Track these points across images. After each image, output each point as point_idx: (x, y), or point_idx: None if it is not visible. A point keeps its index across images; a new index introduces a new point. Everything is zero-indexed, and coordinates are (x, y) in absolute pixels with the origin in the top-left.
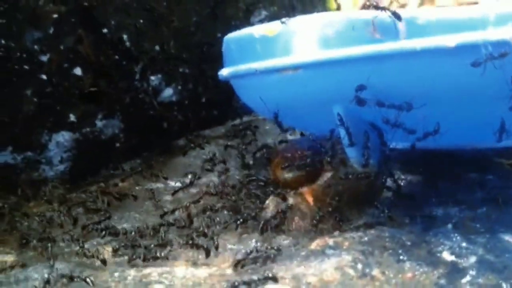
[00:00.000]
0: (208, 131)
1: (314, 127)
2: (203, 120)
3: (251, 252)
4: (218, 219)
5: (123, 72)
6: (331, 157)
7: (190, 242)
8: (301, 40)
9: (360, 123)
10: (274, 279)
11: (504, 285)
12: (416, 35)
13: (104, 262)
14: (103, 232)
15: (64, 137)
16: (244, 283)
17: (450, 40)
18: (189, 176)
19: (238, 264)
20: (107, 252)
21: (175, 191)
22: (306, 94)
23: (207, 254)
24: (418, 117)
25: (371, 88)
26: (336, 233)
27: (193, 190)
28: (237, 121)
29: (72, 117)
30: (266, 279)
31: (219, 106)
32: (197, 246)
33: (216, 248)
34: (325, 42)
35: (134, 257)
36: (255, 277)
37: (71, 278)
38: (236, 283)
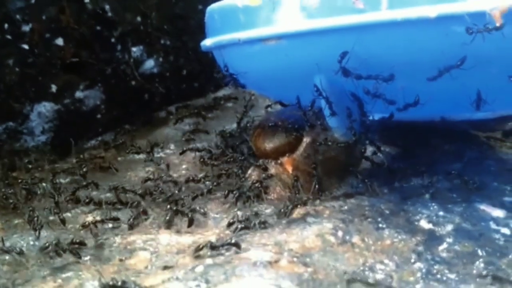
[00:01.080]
0: (189, 103)
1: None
2: (184, 92)
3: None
4: (201, 189)
5: (105, 43)
6: (312, 127)
7: (174, 208)
8: (285, 10)
9: (341, 93)
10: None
11: (480, 252)
12: (397, 5)
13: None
14: (87, 200)
15: (45, 107)
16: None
17: (431, 11)
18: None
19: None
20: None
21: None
22: (288, 64)
23: (190, 223)
24: (398, 87)
25: (353, 58)
26: (317, 202)
27: (176, 161)
28: (219, 93)
29: (54, 88)
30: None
31: (200, 78)
32: (182, 214)
33: (191, 221)
34: (308, 12)
35: (118, 225)
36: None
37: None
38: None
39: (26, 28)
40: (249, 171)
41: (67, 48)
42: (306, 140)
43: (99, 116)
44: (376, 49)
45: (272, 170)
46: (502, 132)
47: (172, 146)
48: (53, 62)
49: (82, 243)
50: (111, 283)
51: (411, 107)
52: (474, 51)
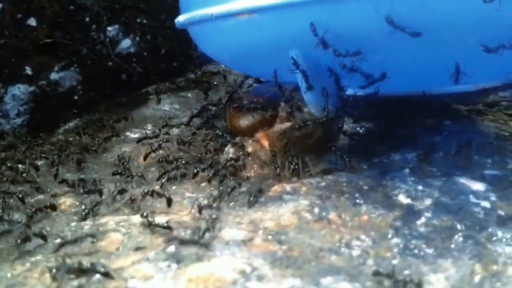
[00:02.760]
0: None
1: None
2: (163, 72)
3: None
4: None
5: (79, 23)
6: (287, 102)
7: (150, 191)
8: None
9: (317, 68)
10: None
11: (458, 226)
12: None
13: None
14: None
15: (20, 89)
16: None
17: None
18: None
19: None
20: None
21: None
22: (262, 39)
23: (169, 203)
24: (375, 61)
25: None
26: (294, 179)
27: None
28: (198, 73)
29: (28, 70)
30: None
31: (179, 58)
32: (159, 195)
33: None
34: None
35: (91, 206)
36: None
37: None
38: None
39: None
40: (226, 149)
41: (40, 28)
42: (281, 115)
43: (75, 97)
44: (352, 21)
45: (250, 148)
46: (484, 104)
47: (149, 127)
48: (26, 43)
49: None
50: (76, 266)
51: (378, 82)
52: (450, 20)
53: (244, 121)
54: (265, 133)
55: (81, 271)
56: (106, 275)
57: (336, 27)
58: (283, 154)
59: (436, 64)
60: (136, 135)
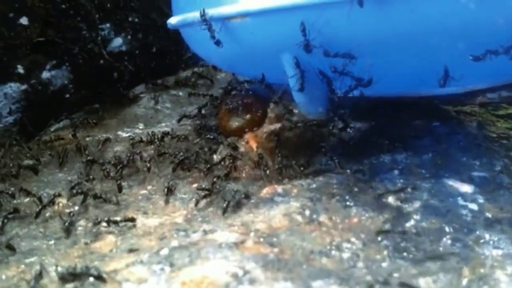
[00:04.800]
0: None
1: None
2: (154, 70)
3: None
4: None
5: (71, 22)
6: (276, 103)
7: None
8: None
9: (308, 71)
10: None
11: (447, 228)
12: None
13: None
14: None
15: (12, 88)
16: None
17: None
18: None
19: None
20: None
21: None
22: (254, 42)
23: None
24: (365, 65)
25: (319, 35)
26: (285, 180)
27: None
28: (189, 72)
29: (20, 68)
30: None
31: (170, 56)
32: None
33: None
34: None
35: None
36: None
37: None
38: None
39: None
40: (219, 149)
41: (32, 27)
42: (270, 116)
43: (67, 96)
44: (343, 26)
45: (242, 149)
46: (472, 106)
47: (141, 126)
48: (19, 42)
49: None
50: (70, 270)
51: (362, 86)
52: (441, 27)
53: (234, 122)
54: (253, 134)
55: (74, 275)
56: (99, 278)
57: (327, 32)
58: (272, 155)
59: (425, 67)
60: (128, 134)
